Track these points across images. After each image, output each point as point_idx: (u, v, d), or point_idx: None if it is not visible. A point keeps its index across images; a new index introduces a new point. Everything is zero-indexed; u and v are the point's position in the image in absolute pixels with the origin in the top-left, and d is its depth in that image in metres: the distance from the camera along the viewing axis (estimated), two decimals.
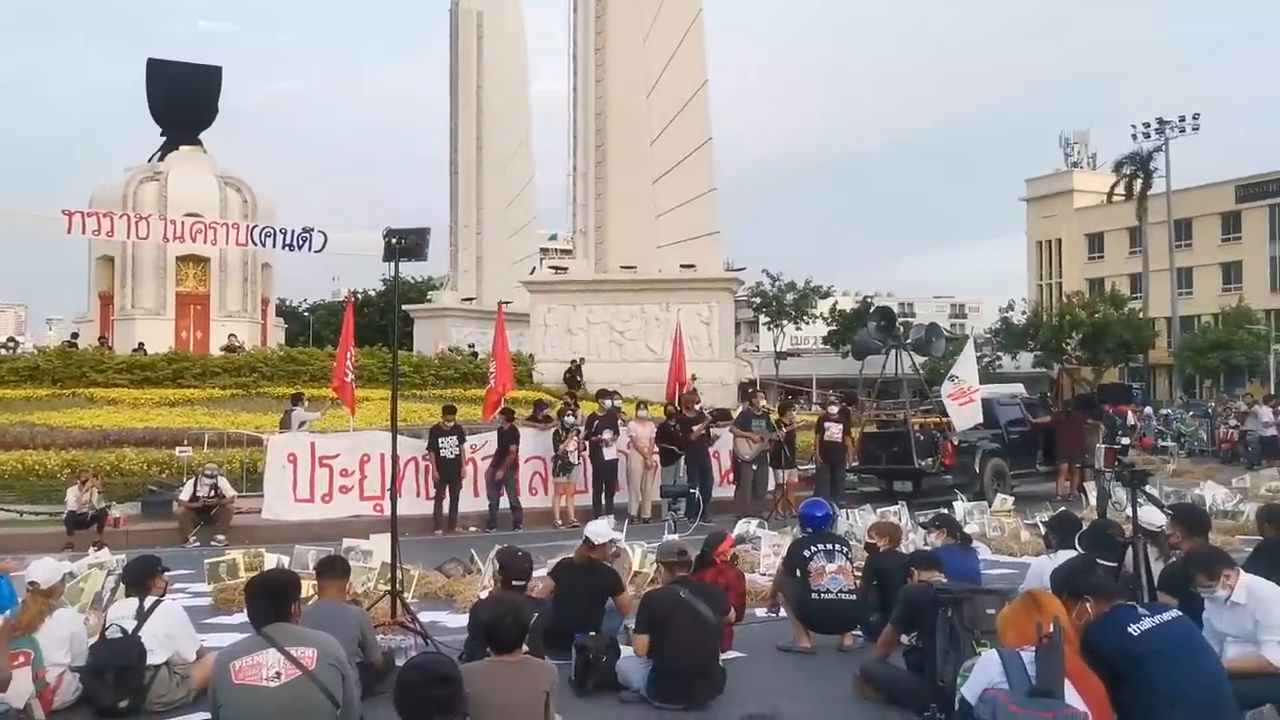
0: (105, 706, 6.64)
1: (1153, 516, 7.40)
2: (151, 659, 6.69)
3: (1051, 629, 4.29)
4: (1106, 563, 6.71)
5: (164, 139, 39.19)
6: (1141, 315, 61.25)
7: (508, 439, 16.48)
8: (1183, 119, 59.00)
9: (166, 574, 7.47)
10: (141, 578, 7.14)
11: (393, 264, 9.08)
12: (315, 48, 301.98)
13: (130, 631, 6.75)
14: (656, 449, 17.35)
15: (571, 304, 33.47)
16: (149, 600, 6.97)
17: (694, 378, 28.17)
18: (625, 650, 7.21)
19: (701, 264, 33.07)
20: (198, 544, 14.30)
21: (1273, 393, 42.17)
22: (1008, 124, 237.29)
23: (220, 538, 14.55)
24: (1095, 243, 76.16)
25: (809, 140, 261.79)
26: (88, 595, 8.91)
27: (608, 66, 34.37)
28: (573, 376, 28.64)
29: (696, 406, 18.30)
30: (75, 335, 35.70)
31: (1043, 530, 10.35)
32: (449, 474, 16.04)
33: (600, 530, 8.32)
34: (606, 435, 17.05)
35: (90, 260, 38.11)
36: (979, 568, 8.80)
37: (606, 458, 17.02)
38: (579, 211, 35.01)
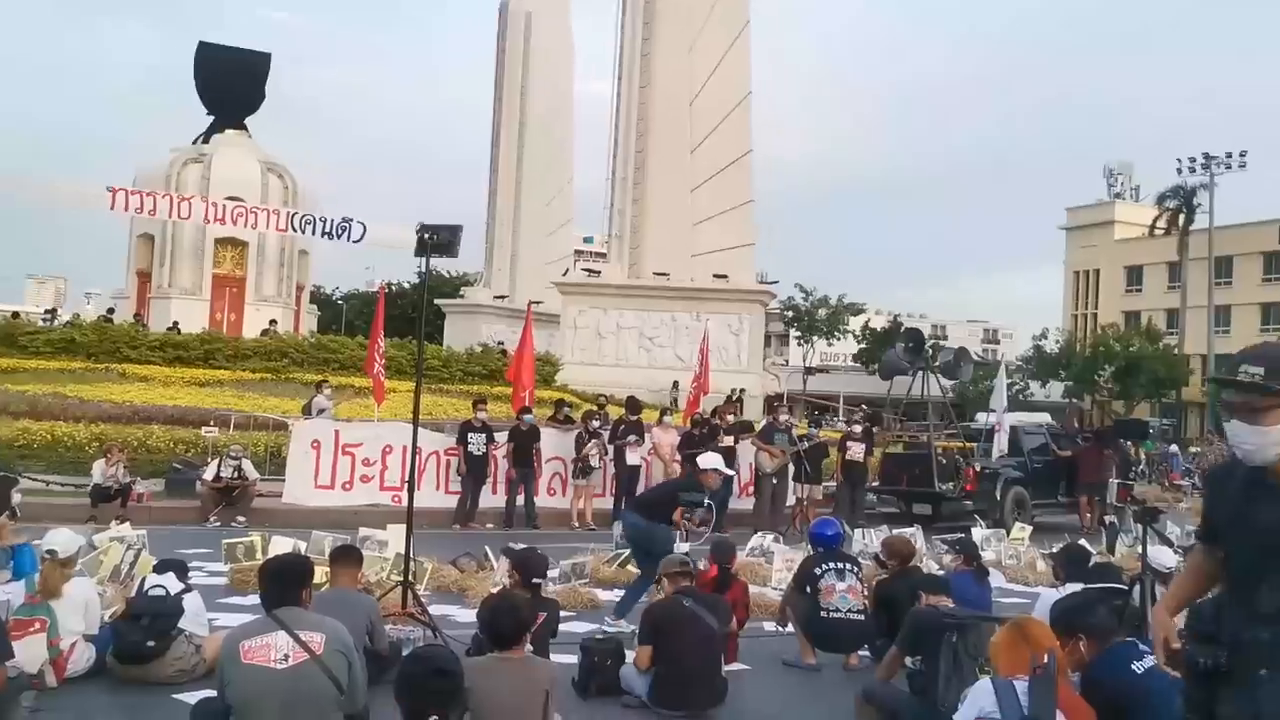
0: (132, 645, 6.87)
1: (1163, 557, 7.36)
2: (182, 621, 7.07)
3: (1046, 659, 4.30)
4: (1116, 586, 6.68)
5: (210, 122, 39.65)
6: (1177, 351, 60.62)
7: (529, 438, 16.56)
8: (1229, 155, 58.40)
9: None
10: (181, 570, 7.68)
11: (424, 259, 9.19)
12: (363, 40, 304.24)
13: (172, 594, 7.19)
14: (679, 456, 17.36)
15: (603, 308, 33.57)
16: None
17: (743, 390, 28.15)
18: (631, 655, 7.26)
19: (735, 275, 33.10)
20: (218, 524, 14.46)
21: None
22: (1052, 152, 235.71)
23: (241, 519, 14.70)
24: (1134, 275, 75.48)
25: (852, 159, 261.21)
26: (107, 568, 9.07)
27: (653, 73, 34.49)
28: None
29: (729, 417, 18.31)
30: (111, 311, 36.13)
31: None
32: (476, 470, 16.14)
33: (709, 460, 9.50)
34: (632, 439, 17.11)
35: (130, 238, 38.56)
36: (990, 596, 8.77)
37: (630, 463, 17.07)
38: (615, 216, 35.14)
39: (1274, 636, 3.12)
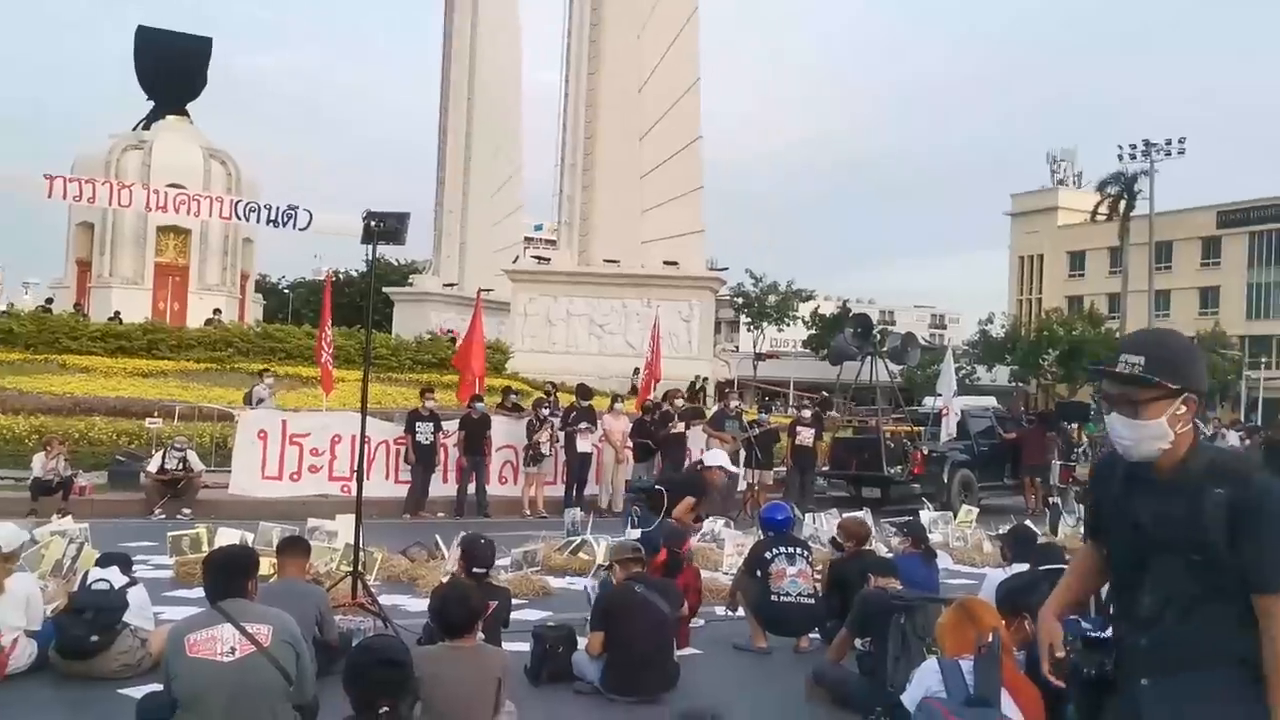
0: (75, 640, 6.77)
1: None
2: (127, 615, 6.98)
3: (990, 639, 4.36)
4: (1059, 567, 6.77)
5: (151, 108, 38.89)
6: (1118, 335, 61.68)
7: (481, 426, 16.50)
8: (1169, 142, 59.34)
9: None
10: (124, 563, 7.56)
11: (371, 246, 9.10)
12: (304, 23, 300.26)
13: (116, 587, 7.08)
14: (630, 443, 17.39)
15: (553, 295, 33.49)
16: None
17: (705, 379, 28.14)
18: (583, 642, 7.27)
19: (685, 261, 33.15)
20: (163, 516, 14.26)
21: (1241, 418, 42.65)
22: (996, 138, 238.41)
23: (186, 511, 14.51)
24: (1076, 260, 76.75)
25: (799, 145, 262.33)
26: (49, 562, 8.90)
27: (601, 58, 34.38)
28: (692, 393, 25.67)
29: (678, 402, 18.34)
30: (50, 300, 35.40)
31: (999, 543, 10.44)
32: (425, 459, 16.05)
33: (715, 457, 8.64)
34: (583, 427, 17.10)
35: (69, 226, 37.77)
36: (938, 578, 8.88)
37: (581, 450, 17.06)
38: (565, 203, 35.03)
39: (1152, 642, 2.92)
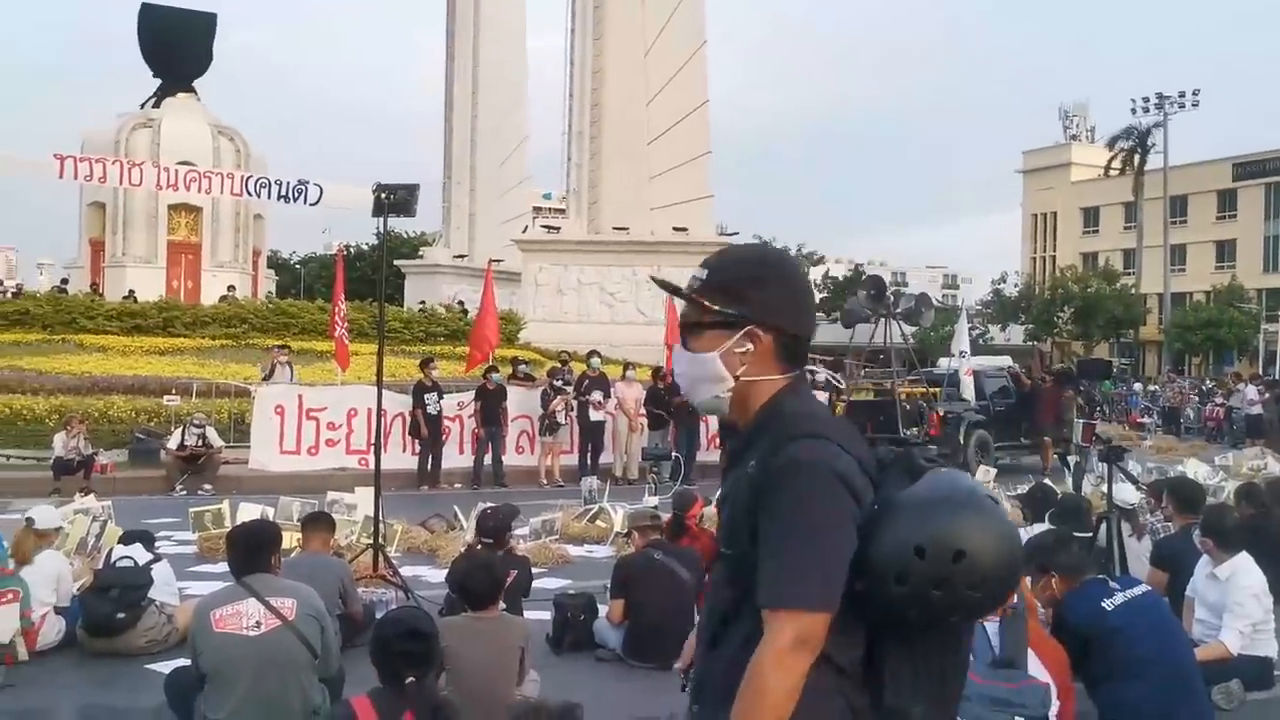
0: (101, 617, 6.82)
1: (1127, 494, 7.47)
2: (152, 591, 7.03)
3: (1015, 600, 4.35)
4: (1080, 534, 6.79)
5: (159, 86, 38.82)
6: (1134, 291, 61.35)
7: (497, 397, 16.53)
8: (1183, 94, 58.76)
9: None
10: (148, 540, 7.61)
11: (382, 219, 9.10)
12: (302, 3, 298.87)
13: (140, 563, 7.13)
14: (644, 411, 17.41)
15: (563, 264, 33.39)
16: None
17: None
18: (604, 610, 7.30)
19: (694, 227, 32.97)
20: (184, 492, 14.36)
21: (1260, 372, 42.43)
22: (1008, 95, 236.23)
23: (207, 487, 14.61)
24: (1091, 217, 76.12)
25: (806, 107, 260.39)
26: (73, 541, 8.98)
27: (606, 24, 34.07)
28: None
29: None
30: (65, 281, 35.52)
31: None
32: (434, 430, 16.10)
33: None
34: (596, 396, 17.11)
35: (81, 206, 37.82)
36: None
37: (593, 419, 17.09)
38: (573, 171, 34.87)
39: (705, 664, 2.23)
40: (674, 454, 16.92)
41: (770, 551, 2.02)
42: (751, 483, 2.09)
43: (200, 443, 15.09)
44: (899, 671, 2.06)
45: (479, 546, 7.36)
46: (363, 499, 10.32)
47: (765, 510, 2.05)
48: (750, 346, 2.18)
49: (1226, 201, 68.34)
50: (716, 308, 2.20)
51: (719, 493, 2.30)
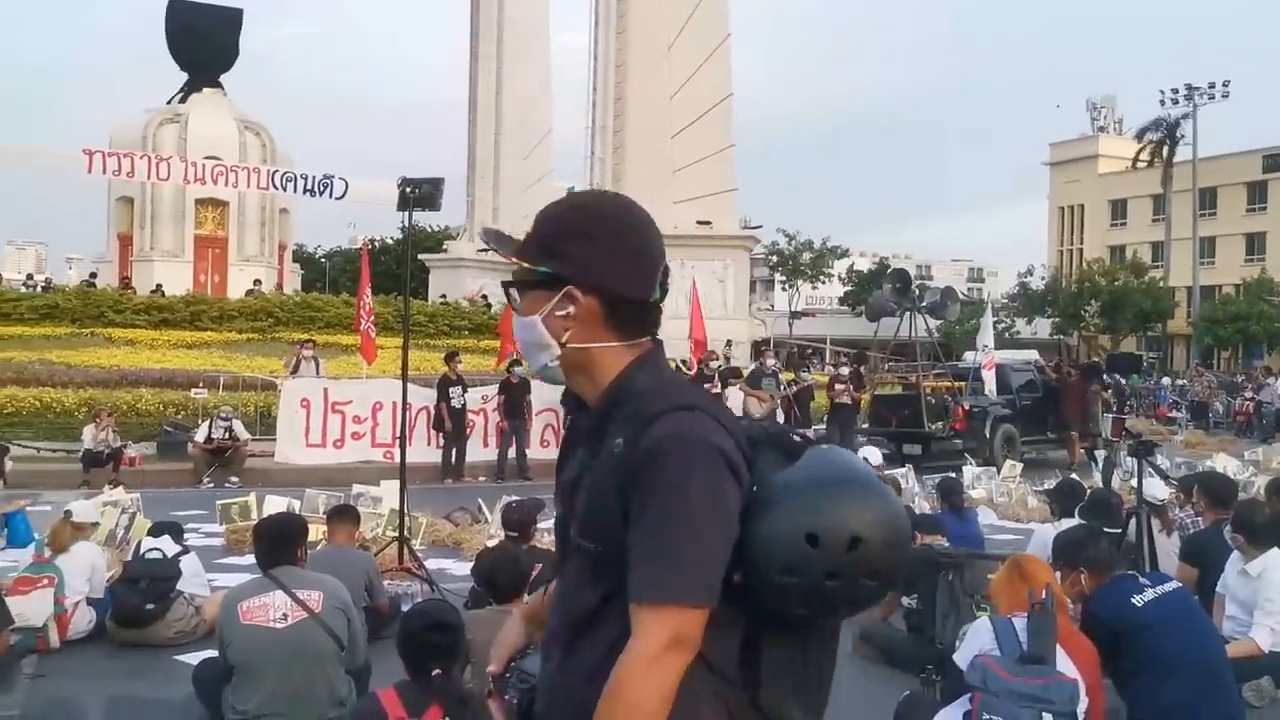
0: (130, 608, 6.90)
1: (1157, 490, 7.41)
2: (180, 583, 7.12)
3: (1044, 595, 4.32)
4: (1109, 530, 6.74)
5: (186, 81, 39.09)
6: (1162, 284, 60.78)
7: (521, 391, 16.55)
8: (1212, 85, 58.15)
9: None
10: (176, 532, 7.71)
11: (407, 213, 9.12)
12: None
13: (169, 555, 7.22)
14: None
15: None
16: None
17: (729, 343, 28.11)
18: None
19: (718, 221, 32.96)
20: (212, 485, 14.46)
21: None
22: (1036, 87, 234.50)
23: (234, 479, 14.70)
24: (1118, 209, 75.44)
25: (832, 100, 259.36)
26: (102, 532, 9.03)
27: (629, 18, 34.08)
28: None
29: (714, 363, 18.35)
30: (94, 275, 35.84)
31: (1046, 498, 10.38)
32: (459, 424, 16.15)
33: None
34: None
35: (109, 201, 38.16)
36: (980, 533, 8.82)
37: None
38: (596, 165, 34.92)
39: (559, 676, 1.93)
40: None
41: (642, 539, 1.76)
42: (618, 464, 1.81)
43: (227, 436, 15.19)
44: (778, 668, 1.86)
45: (504, 539, 7.36)
46: (388, 492, 10.36)
47: (637, 493, 1.78)
48: (570, 309, 1.93)
49: (1256, 194, 67.56)
50: (527, 265, 2.00)
51: (561, 477, 2.01)
